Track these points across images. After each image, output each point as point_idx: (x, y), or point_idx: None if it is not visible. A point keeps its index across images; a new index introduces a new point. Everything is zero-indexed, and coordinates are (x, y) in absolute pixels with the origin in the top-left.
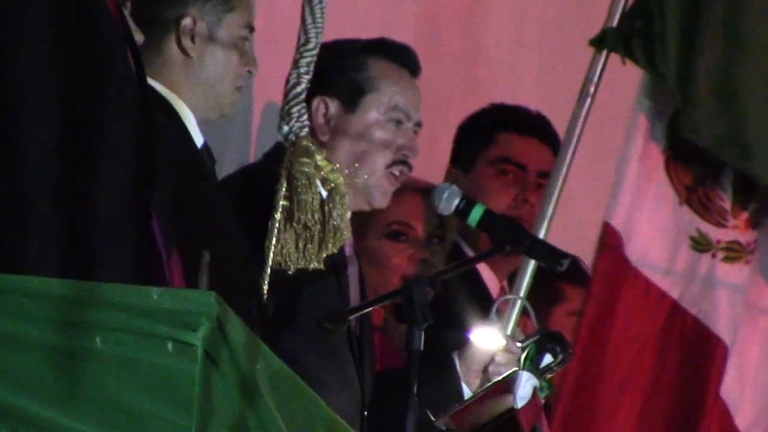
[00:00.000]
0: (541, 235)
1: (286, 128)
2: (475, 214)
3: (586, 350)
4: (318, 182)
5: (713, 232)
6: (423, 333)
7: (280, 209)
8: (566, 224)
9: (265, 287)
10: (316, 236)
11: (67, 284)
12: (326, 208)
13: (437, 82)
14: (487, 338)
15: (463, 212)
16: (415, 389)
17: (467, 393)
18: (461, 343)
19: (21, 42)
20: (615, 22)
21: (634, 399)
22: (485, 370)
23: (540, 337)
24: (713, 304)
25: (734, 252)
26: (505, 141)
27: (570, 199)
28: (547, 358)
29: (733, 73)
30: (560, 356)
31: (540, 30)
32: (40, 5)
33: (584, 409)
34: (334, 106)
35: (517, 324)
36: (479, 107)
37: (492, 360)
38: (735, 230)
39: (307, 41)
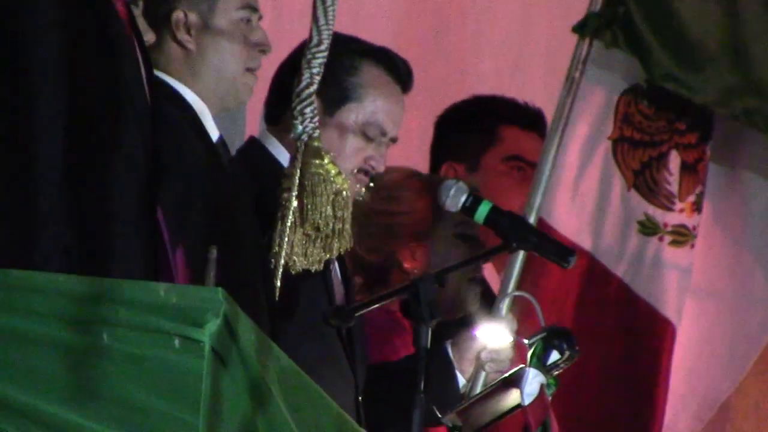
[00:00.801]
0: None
1: (300, 128)
2: (482, 210)
3: None
4: (330, 186)
5: (660, 216)
6: (430, 330)
7: (291, 209)
8: None
9: (278, 284)
10: (320, 239)
11: (75, 280)
12: (332, 211)
13: (443, 77)
14: (493, 334)
15: (470, 209)
16: (422, 386)
17: (461, 381)
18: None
19: (32, 42)
20: (598, 8)
21: (593, 384)
22: (478, 358)
23: (546, 333)
24: (662, 288)
25: (681, 236)
26: (511, 137)
27: None
28: (554, 355)
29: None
30: (567, 353)
31: (547, 25)
32: (50, 8)
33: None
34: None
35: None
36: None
37: (484, 347)
38: (681, 213)
39: (320, 42)
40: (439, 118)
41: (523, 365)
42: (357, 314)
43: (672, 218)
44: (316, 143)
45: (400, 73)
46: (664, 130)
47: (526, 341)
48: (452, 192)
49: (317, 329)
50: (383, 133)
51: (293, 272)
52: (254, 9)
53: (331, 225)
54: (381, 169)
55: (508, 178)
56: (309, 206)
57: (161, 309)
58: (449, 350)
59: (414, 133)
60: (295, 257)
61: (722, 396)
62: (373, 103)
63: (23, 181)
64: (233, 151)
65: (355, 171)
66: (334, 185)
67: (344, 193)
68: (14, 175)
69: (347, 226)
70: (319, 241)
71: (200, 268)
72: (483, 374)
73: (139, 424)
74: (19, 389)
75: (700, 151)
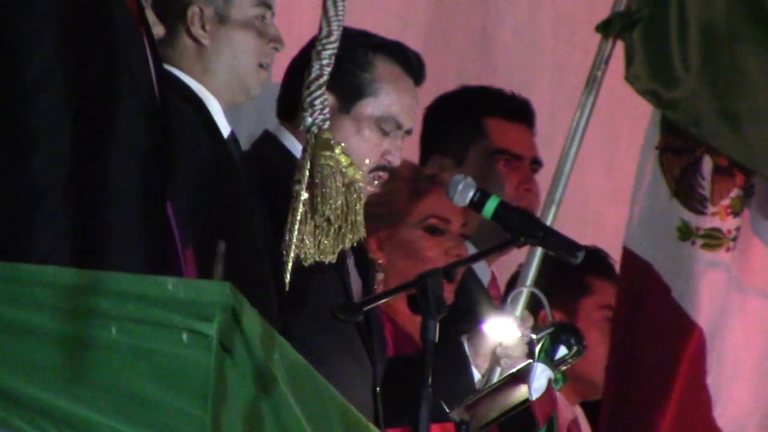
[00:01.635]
0: (549, 224)
1: (309, 120)
2: (490, 205)
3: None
4: (340, 177)
5: (694, 220)
6: (438, 324)
7: (301, 201)
8: (581, 217)
9: (287, 278)
10: (332, 230)
11: (81, 274)
12: (343, 202)
13: (451, 71)
14: (501, 328)
15: (477, 204)
16: (430, 380)
17: (477, 376)
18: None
19: (36, 34)
20: (622, 8)
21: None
22: (494, 353)
23: (554, 328)
24: (694, 292)
25: (714, 239)
26: (496, 129)
27: (585, 190)
28: (562, 350)
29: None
30: (574, 348)
31: (554, 21)
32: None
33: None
34: (330, 101)
35: (524, 312)
36: None
37: (500, 343)
38: (714, 217)
39: (330, 33)
40: (427, 109)
41: (531, 360)
42: (365, 308)
43: (704, 222)
44: (326, 134)
45: (412, 66)
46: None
47: (533, 336)
48: (460, 187)
49: (333, 323)
50: (399, 126)
51: (306, 264)
52: (268, 6)
53: (342, 216)
54: (397, 162)
55: (494, 171)
56: (319, 197)
57: (169, 303)
58: (465, 345)
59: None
60: (307, 249)
61: None
62: (388, 97)
63: (24, 176)
64: (245, 146)
65: (372, 167)
66: (346, 176)
67: (357, 184)
68: (14, 169)
69: (360, 218)
70: (332, 232)
71: (210, 264)
72: (498, 370)
73: (146, 418)
74: (26, 382)
75: None
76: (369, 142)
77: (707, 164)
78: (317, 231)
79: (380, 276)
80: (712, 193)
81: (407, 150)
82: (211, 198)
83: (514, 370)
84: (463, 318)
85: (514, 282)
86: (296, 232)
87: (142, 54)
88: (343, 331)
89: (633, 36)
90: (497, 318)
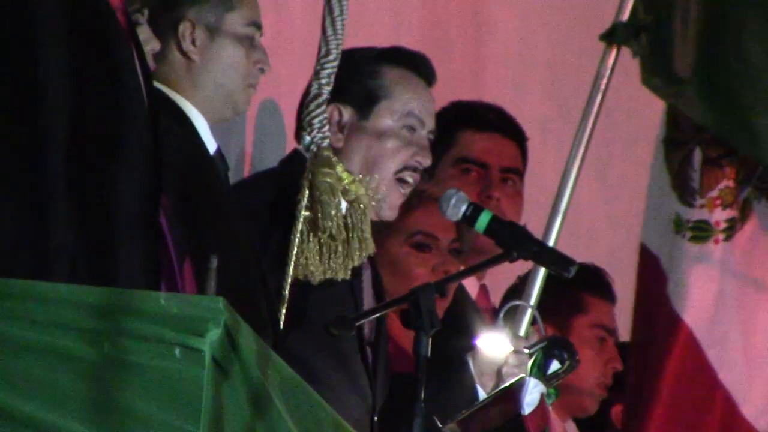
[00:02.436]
0: (553, 233)
1: (308, 138)
2: (483, 220)
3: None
4: (339, 193)
5: (685, 213)
6: (430, 339)
7: (302, 219)
8: (576, 232)
9: (286, 295)
10: (340, 247)
11: (74, 289)
12: (348, 219)
13: (445, 85)
14: (494, 344)
15: (470, 218)
16: (422, 395)
17: (482, 395)
18: (469, 347)
19: (37, 51)
20: (625, 17)
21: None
22: (499, 372)
23: (547, 343)
24: (683, 286)
25: (702, 231)
26: (465, 140)
27: (579, 205)
28: (555, 365)
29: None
30: (567, 362)
31: (548, 29)
32: (53, 17)
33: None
34: (347, 113)
35: (529, 329)
36: None
37: (506, 362)
38: (702, 209)
39: (328, 53)
40: None
41: (524, 375)
42: (357, 323)
43: (693, 214)
44: (325, 152)
45: (419, 67)
46: (691, 127)
47: (526, 350)
48: (453, 202)
49: (334, 342)
50: (421, 123)
51: (315, 283)
52: (258, 27)
53: (345, 232)
54: (427, 162)
55: (456, 181)
56: (320, 213)
57: (162, 318)
58: (470, 364)
59: None
60: (312, 267)
61: None
62: (402, 96)
63: (27, 190)
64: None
65: (402, 171)
66: (349, 193)
67: (361, 200)
68: (19, 182)
69: (367, 234)
70: (339, 249)
71: (204, 279)
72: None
73: None
74: (15, 396)
75: (726, 145)
76: (392, 145)
77: (697, 156)
78: (323, 249)
79: None
80: (701, 185)
81: None
82: (201, 215)
83: (506, 384)
84: (455, 334)
85: (511, 295)
86: (296, 251)
87: (132, 70)
88: (344, 353)
89: (641, 39)
90: (491, 334)
